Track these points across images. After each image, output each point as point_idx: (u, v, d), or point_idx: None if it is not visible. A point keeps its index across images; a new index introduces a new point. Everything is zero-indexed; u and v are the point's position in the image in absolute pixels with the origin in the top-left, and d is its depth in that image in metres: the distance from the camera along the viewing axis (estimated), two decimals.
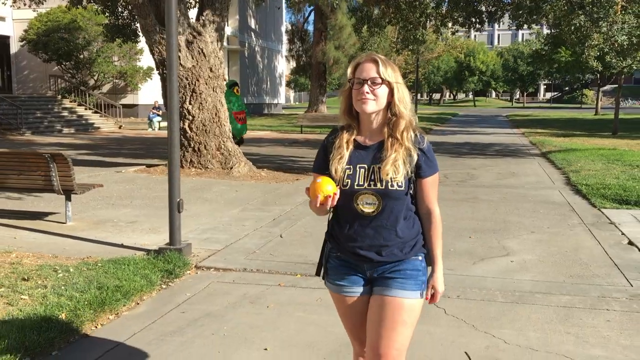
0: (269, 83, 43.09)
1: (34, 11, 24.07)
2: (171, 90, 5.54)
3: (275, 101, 44.89)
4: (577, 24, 9.19)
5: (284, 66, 48.23)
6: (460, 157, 14.51)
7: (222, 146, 10.80)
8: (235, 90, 12.78)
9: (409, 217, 2.22)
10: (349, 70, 2.22)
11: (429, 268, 2.28)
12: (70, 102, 25.83)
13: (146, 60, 27.23)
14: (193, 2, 11.27)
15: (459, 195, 8.82)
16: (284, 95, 50.94)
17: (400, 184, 2.14)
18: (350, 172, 2.18)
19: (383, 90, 2.15)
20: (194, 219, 7.04)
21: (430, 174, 2.22)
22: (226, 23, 11.17)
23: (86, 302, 4.00)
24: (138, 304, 4.31)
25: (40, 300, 4.07)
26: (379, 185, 2.15)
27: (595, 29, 9.14)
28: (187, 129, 10.68)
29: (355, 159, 2.20)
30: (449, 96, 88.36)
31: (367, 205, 2.16)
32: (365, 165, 2.18)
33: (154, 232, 6.38)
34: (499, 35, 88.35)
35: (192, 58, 10.57)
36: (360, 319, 2.28)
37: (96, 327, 3.87)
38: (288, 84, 69.42)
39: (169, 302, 4.34)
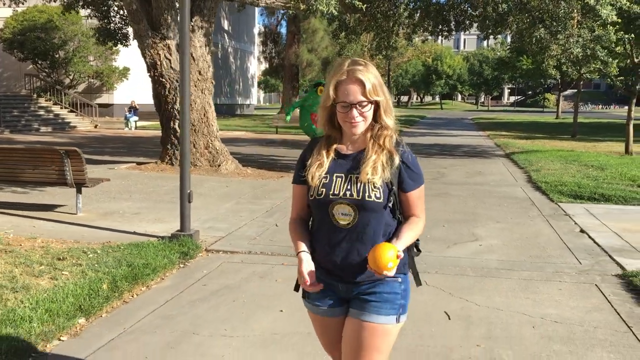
0: (241, 84, 43.60)
1: (14, 11, 24.29)
2: (183, 93, 6.18)
3: (248, 102, 45.41)
4: (538, 36, 10.17)
5: (255, 67, 48.78)
6: (431, 158, 15.40)
7: (210, 145, 11.44)
8: (318, 91, 11.54)
9: (388, 233, 2.11)
10: (330, 90, 2.07)
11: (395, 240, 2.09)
12: (46, 100, 25.98)
13: (122, 60, 27.59)
14: None
15: (431, 192, 9.66)
16: (256, 96, 51.45)
17: (378, 194, 2.05)
18: (326, 181, 2.10)
19: (371, 110, 2.08)
20: (194, 211, 7.57)
21: (415, 188, 2.13)
22: (213, 29, 11.80)
23: (122, 276, 4.66)
24: (163, 279, 4.98)
25: (80, 275, 4.71)
26: (355, 195, 2.05)
27: (554, 40, 10.14)
28: (177, 128, 11.28)
29: (333, 168, 2.12)
30: (417, 99, 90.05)
31: (342, 217, 2.08)
32: (343, 174, 2.10)
33: (159, 222, 7.03)
34: (465, 40, 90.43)
35: None
36: (337, 337, 2.22)
37: (132, 296, 4.54)
38: (258, 85, 69.81)
39: (189, 278, 5.02)
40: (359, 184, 2.05)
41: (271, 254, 5.76)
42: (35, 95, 26.04)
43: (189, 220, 6.12)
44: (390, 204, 2.09)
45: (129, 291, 4.56)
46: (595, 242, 6.39)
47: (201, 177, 10.57)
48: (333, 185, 2.08)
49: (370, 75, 2.05)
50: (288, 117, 12.94)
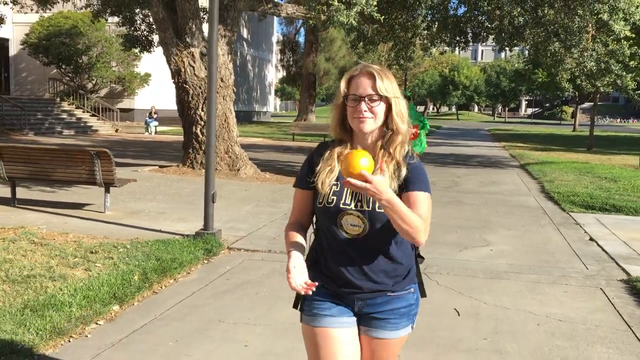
0: (259, 91, 44.11)
1: (40, 17, 25.00)
2: (209, 100, 6.50)
3: (265, 109, 45.90)
4: (553, 50, 10.40)
5: (273, 75, 49.32)
6: (446, 167, 15.62)
7: (230, 150, 11.78)
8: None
9: (400, 241, 2.04)
10: (342, 84, 2.04)
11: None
12: (69, 104, 26.59)
13: (144, 66, 28.15)
14: (204, 18, 12.27)
15: (445, 199, 9.89)
16: (273, 104, 51.98)
17: None
18: (337, 189, 2.01)
19: (381, 107, 1.99)
20: (215, 212, 7.93)
21: (415, 190, 1.99)
22: (235, 37, 12.17)
23: (151, 269, 4.98)
24: (189, 273, 5.29)
25: (112, 267, 5.04)
26: (365, 206, 1.98)
27: (568, 54, 10.36)
28: (199, 133, 11.65)
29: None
30: (433, 109, 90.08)
31: (351, 227, 2.00)
32: None
33: (183, 221, 7.35)
34: (482, 51, 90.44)
35: (205, 69, 11.55)
36: (343, 350, 2.04)
37: (161, 287, 4.85)
38: (275, 93, 70.43)
39: (213, 272, 5.32)
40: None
41: None
42: (58, 99, 26.67)
43: (212, 220, 6.43)
44: None
45: (158, 283, 4.87)
46: (603, 249, 6.59)
47: (221, 181, 10.89)
48: (344, 194, 2.01)
49: (383, 73, 2.00)
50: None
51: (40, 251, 5.43)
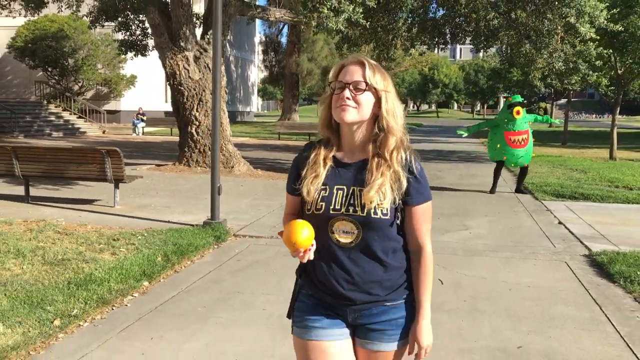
0: (242, 92, 44.61)
1: (26, 21, 25.25)
2: (214, 101, 7.14)
3: (248, 109, 46.41)
4: (525, 51, 11.22)
5: (256, 75, 49.85)
6: (428, 162, 16.38)
7: (224, 148, 12.39)
8: (514, 113, 9.70)
9: (395, 250, 1.91)
10: (332, 73, 1.91)
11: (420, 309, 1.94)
12: (56, 107, 26.91)
13: (129, 68, 28.55)
14: (197, 23, 12.86)
15: None
16: (256, 104, 52.52)
17: (385, 211, 1.84)
18: (326, 194, 1.87)
19: (367, 98, 1.85)
20: None
21: (420, 202, 1.90)
22: (226, 41, 12.78)
23: (171, 251, 5.61)
24: (203, 256, 5.93)
25: (136, 251, 5.66)
26: (359, 211, 1.84)
27: (539, 55, 11.19)
28: (194, 132, 12.25)
29: (333, 179, 1.89)
30: (413, 107, 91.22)
31: (344, 235, 1.86)
32: (344, 187, 1.87)
33: (189, 213, 7.97)
34: (460, 49, 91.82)
35: (199, 71, 12.17)
36: None
37: (181, 268, 5.49)
38: (257, 93, 70.86)
39: (225, 255, 5.97)
40: (363, 199, 1.83)
41: None
42: (45, 102, 26.97)
43: (219, 210, 7.07)
44: (397, 221, 1.90)
45: (178, 264, 5.51)
46: (570, 231, 7.36)
47: None
48: (334, 199, 1.86)
49: (375, 66, 1.89)
50: (464, 133, 10.93)
51: (67, 239, 6.03)
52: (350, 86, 1.84)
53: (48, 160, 8.13)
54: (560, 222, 7.93)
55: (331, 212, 1.85)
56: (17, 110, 23.97)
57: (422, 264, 1.93)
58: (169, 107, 33.27)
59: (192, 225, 7.06)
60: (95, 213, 7.79)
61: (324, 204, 1.86)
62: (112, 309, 4.33)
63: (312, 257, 1.86)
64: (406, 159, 1.88)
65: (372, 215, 1.83)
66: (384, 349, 1.93)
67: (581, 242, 6.77)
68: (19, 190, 8.75)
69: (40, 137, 22.83)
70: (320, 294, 1.94)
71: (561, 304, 4.65)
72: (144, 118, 26.22)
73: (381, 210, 1.82)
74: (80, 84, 28.13)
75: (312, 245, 1.84)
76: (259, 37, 47.39)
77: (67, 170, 8.14)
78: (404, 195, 1.87)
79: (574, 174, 12.71)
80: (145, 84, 29.88)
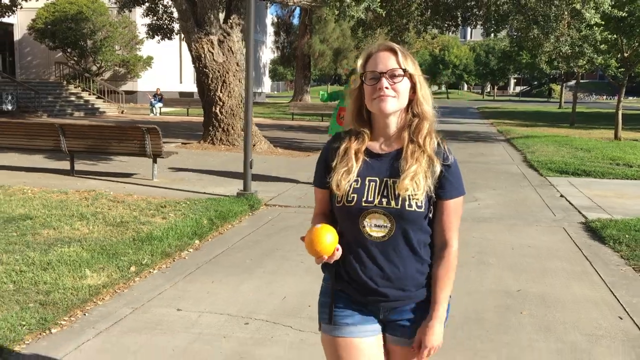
0: (254, 73, 45.20)
1: (45, 3, 25.92)
2: (247, 84, 7.85)
3: (260, 90, 47.02)
4: (532, 35, 11.83)
5: (268, 57, 50.38)
6: None
7: None
8: (351, 81, 9.24)
9: (426, 244, 1.86)
10: (359, 63, 1.85)
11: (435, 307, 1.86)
12: (75, 87, 27.71)
13: (146, 49, 29.25)
14: (221, 8, 13.51)
15: None
16: (268, 85, 53.12)
17: (419, 203, 1.78)
18: (357, 185, 1.81)
19: (405, 85, 1.80)
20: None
21: (454, 196, 1.83)
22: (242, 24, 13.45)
23: (215, 216, 6.38)
24: (241, 221, 6.70)
25: (183, 216, 6.43)
26: (393, 203, 1.77)
27: (546, 39, 11.79)
28: (218, 112, 12.98)
29: (365, 171, 1.83)
30: None
31: (375, 229, 1.80)
32: (377, 179, 1.82)
33: (220, 186, 8.73)
34: (471, 30, 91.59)
35: (223, 54, 12.86)
36: None
37: (225, 230, 6.26)
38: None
39: (260, 221, 6.73)
40: (397, 191, 1.77)
41: None
42: (65, 82, 27.76)
43: (250, 182, 7.82)
44: (430, 214, 1.84)
45: (222, 227, 6.28)
46: (570, 203, 8.07)
47: (239, 155, 12.12)
48: (366, 190, 1.80)
49: (406, 51, 1.84)
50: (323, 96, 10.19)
51: (121, 206, 6.82)
52: (387, 74, 1.78)
53: (93, 137, 8.90)
54: (562, 195, 8.63)
55: (363, 204, 1.79)
56: (40, 90, 24.78)
57: (446, 261, 1.84)
58: (183, 88, 34.14)
59: (226, 196, 7.81)
60: (137, 185, 8.57)
61: (355, 195, 1.80)
62: (174, 261, 5.10)
63: (337, 257, 1.82)
64: (439, 146, 1.85)
65: (407, 208, 1.77)
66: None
67: (579, 211, 7.48)
68: (62, 164, 9.55)
69: (62, 116, 23.62)
70: (350, 290, 1.88)
71: (557, 260, 5.38)
72: (161, 98, 26.93)
73: (416, 202, 1.77)
74: (98, 65, 28.87)
75: (337, 249, 1.80)
76: (270, 18, 47.84)
77: (110, 147, 8.91)
78: (438, 188, 1.81)
79: (579, 152, 13.36)
80: (161, 66, 30.58)
